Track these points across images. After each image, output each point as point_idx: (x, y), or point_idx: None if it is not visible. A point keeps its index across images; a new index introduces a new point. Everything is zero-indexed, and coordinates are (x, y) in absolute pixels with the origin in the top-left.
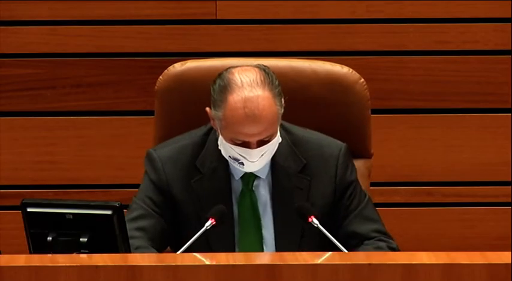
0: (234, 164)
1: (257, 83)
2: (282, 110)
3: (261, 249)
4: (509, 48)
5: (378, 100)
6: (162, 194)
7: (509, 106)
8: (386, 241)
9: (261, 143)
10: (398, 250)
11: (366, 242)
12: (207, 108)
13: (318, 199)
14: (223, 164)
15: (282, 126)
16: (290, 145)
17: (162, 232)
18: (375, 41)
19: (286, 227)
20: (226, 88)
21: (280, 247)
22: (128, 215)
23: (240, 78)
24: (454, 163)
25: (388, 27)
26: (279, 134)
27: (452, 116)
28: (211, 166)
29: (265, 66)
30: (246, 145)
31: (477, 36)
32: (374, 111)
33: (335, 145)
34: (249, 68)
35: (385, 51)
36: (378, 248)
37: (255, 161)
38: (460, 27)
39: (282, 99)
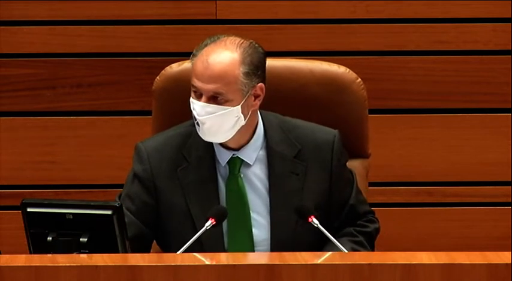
0: (198, 131)
1: (232, 43)
2: (249, 84)
3: (249, 231)
4: (509, 48)
5: (377, 100)
6: (145, 188)
7: (509, 106)
8: (374, 220)
9: (211, 100)
10: (378, 231)
11: (356, 228)
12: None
13: (313, 185)
14: (210, 152)
15: (273, 115)
16: (283, 131)
17: (143, 230)
18: (375, 41)
19: (283, 211)
20: (206, 44)
21: (276, 231)
22: None
23: (222, 39)
24: (454, 163)
25: (388, 27)
26: (240, 110)
27: (452, 116)
28: (197, 154)
29: (259, 45)
30: (197, 96)
31: (477, 36)
32: (374, 111)
33: (328, 131)
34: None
35: (385, 51)
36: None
37: (200, 117)
38: (460, 27)
39: (254, 77)
